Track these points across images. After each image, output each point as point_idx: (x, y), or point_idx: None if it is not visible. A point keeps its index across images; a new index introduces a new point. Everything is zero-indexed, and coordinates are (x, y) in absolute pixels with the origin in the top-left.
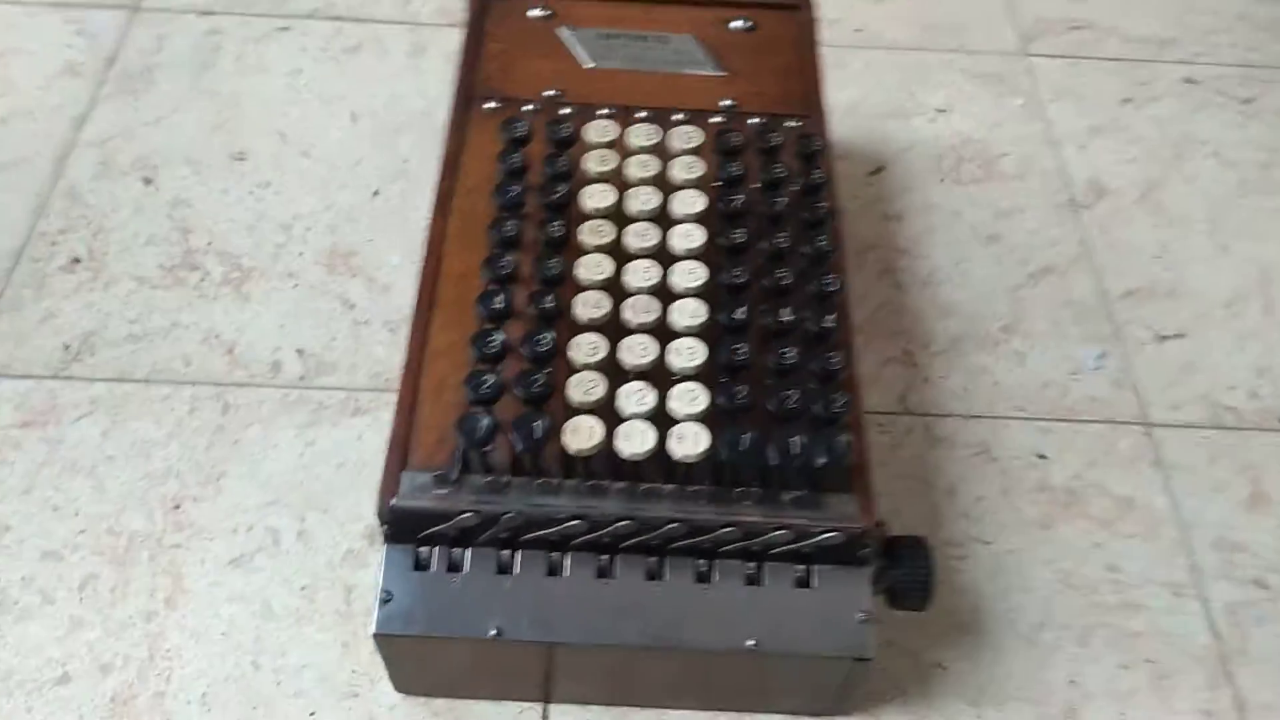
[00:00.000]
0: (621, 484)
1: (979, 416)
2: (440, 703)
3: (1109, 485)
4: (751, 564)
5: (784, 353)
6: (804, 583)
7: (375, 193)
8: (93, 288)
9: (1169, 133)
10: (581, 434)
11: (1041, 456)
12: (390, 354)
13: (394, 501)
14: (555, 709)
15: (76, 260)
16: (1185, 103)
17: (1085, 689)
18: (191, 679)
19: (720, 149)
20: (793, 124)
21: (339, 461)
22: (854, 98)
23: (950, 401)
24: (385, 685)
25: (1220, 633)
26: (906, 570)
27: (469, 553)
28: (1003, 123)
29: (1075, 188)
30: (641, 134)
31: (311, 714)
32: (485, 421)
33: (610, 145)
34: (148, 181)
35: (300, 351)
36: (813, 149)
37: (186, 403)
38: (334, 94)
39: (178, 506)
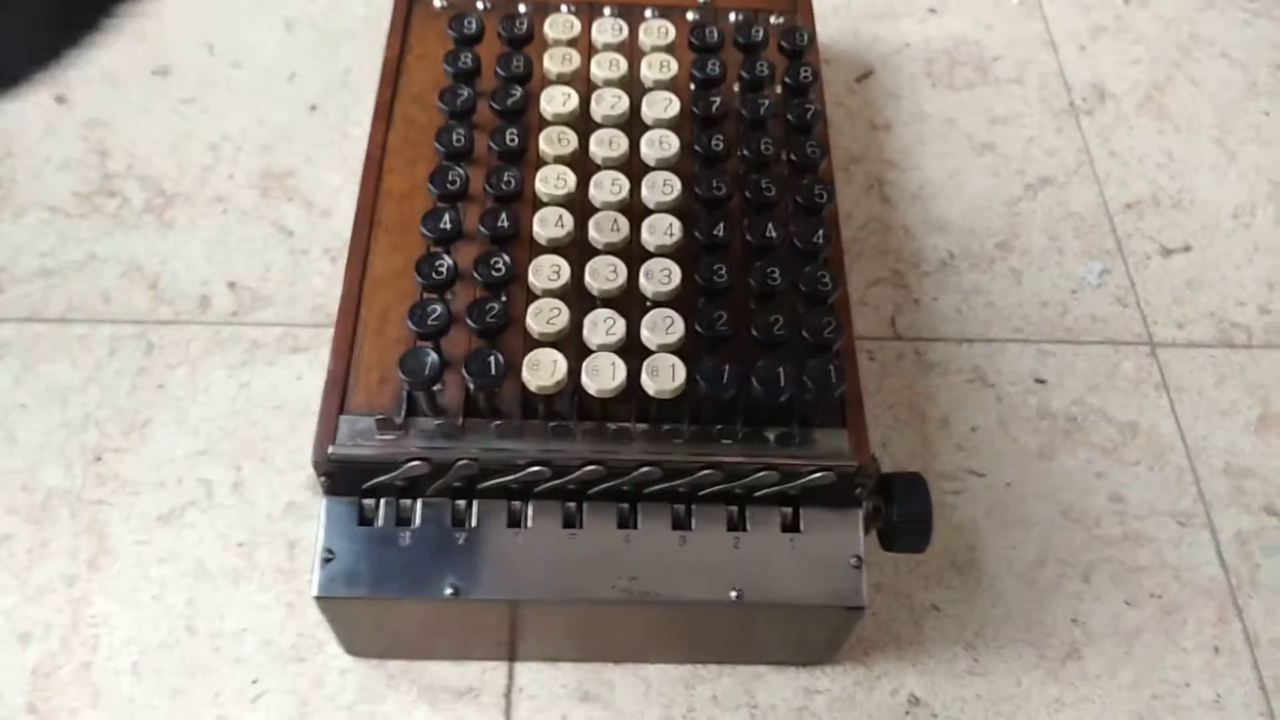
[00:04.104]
0: (589, 424)
1: (973, 340)
2: (395, 665)
3: (1112, 410)
4: (733, 508)
5: (769, 272)
6: (791, 526)
7: (313, 108)
8: (0, 218)
9: (1174, 32)
10: (543, 369)
11: (1040, 381)
12: (331, 285)
13: (331, 450)
14: (522, 667)
15: None
16: (1191, 0)
17: (1088, 628)
18: (120, 647)
19: (695, 45)
20: (775, 19)
21: (276, 404)
22: None
23: (942, 325)
24: (334, 648)
25: (1229, 564)
26: (903, 510)
27: (419, 504)
28: (998, 23)
29: (1075, 92)
30: (607, 29)
31: (254, 681)
32: (432, 358)
33: (572, 43)
34: (60, 100)
35: (231, 284)
36: (799, 44)
37: (105, 343)
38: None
39: (99, 458)
